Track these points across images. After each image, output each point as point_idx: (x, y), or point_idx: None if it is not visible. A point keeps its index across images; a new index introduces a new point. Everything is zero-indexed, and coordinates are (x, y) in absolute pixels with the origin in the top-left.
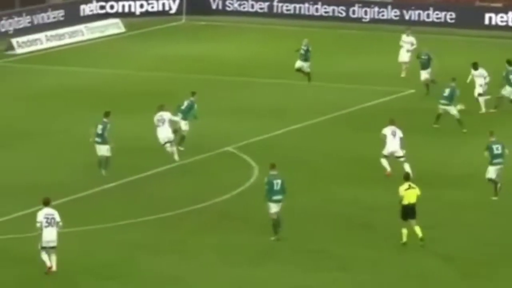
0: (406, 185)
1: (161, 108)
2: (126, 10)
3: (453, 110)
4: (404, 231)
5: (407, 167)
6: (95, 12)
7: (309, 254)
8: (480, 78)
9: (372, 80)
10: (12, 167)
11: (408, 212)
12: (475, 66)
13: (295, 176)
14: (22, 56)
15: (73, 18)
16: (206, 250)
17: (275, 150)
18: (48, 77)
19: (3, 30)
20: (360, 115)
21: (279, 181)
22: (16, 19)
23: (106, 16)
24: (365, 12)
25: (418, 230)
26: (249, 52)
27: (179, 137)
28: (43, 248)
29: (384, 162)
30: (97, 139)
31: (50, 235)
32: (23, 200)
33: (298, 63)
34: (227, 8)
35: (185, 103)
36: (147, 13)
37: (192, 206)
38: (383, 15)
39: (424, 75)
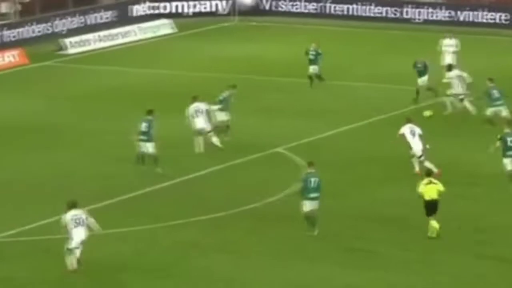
0: (426, 180)
1: (196, 99)
2: (178, 10)
3: (505, 111)
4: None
5: (428, 164)
6: (147, 12)
7: (358, 254)
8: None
9: None
10: (63, 167)
11: (430, 207)
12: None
13: (342, 177)
14: (74, 56)
15: (125, 18)
16: (258, 251)
17: (324, 151)
18: (100, 77)
19: (56, 30)
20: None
21: (315, 179)
22: (68, 19)
23: (158, 16)
24: (418, 13)
25: (435, 224)
26: (299, 53)
27: (222, 129)
28: (69, 249)
29: (414, 161)
30: (142, 137)
31: (80, 235)
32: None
33: (311, 68)
34: (279, 9)
35: (224, 94)
36: (199, 14)
37: (244, 206)
38: (435, 16)
39: (420, 83)
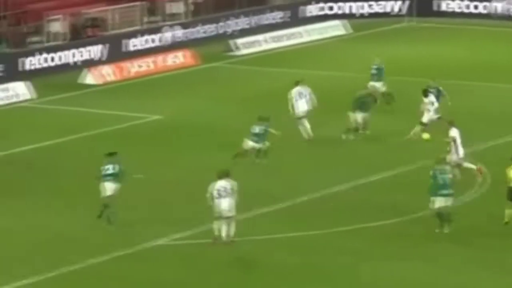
0: None
1: (299, 83)
2: (348, 11)
3: None
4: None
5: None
6: (316, 13)
7: None
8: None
9: None
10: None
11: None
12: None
13: None
14: (243, 57)
15: (293, 19)
16: (430, 259)
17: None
18: (269, 79)
19: (224, 31)
20: None
21: (446, 176)
22: (237, 20)
23: (327, 17)
24: None
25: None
26: (471, 55)
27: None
28: (217, 218)
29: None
30: (254, 138)
31: (223, 205)
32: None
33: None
34: (451, 10)
35: (362, 93)
36: (369, 15)
37: (415, 213)
38: None
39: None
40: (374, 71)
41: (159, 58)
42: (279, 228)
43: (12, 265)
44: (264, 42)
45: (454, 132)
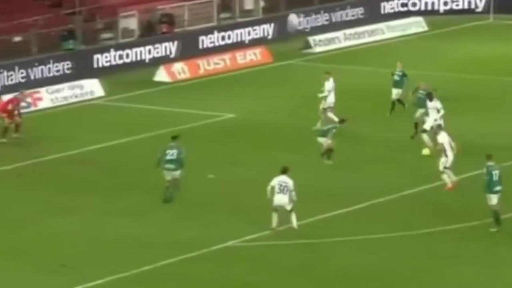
0: None
1: (330, 74)
2: (429, 8)
3: None
4: None
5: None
6: (396, 10)
7: None
8: (433, 111)
9: None
10: (310, 172)
11: None
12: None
13: None
14: (319, 55)
15: (373, 16)
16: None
17: None
18: (344, 77)
19: (300, 28)
20: None
21: (497, 171)
22: (314, 17)
23: (408, 14)
24: None
25: None
26: None
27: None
28: (274, 210)
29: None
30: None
31: (280, 200)
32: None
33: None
34: None
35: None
36: (451, 11)
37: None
38: None
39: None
40: (397, 77)
41: (234, 56)
42: (355, 230)
43: (83, 265)
44: (341, 40)
45: (443, 137)
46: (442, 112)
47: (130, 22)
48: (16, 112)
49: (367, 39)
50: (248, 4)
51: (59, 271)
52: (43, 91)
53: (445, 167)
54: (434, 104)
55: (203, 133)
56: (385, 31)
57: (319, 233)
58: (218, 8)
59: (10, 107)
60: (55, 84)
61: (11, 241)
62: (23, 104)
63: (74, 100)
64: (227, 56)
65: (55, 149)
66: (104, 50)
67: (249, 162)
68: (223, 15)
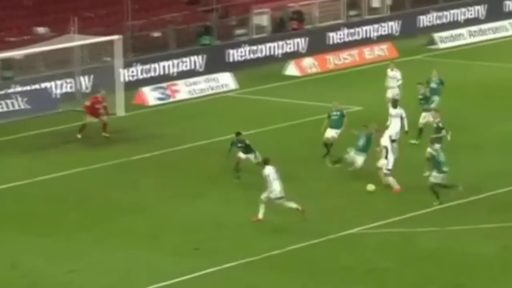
0: None
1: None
2: None
3: None
4: None
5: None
6: None
7: None
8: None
9: None
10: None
11: None
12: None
13: None
14: (444, 50)
15: (497, 13)
16: None
17: None
18: (469, 73)
19: (426, 24)
20: None
21: None
22: (438, 13)
23: None
24: None
25: None
26: None
27: None
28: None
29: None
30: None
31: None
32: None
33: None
34: None
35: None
36: None
37: None
38: None
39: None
40: (435, 85)
41: (362, 51)
42: (477, 219)
43: (215, 249)
44: (467, 36)
45: (385, 140)
46: (406, 121)
47: (262, 19)
48: (101, 111)
49: (491, 36)
50: (375, 2)
51: (192, 254)
52: (181, 84)
53: (388, 169)
54: (397, 111)
55: None
56: (509, 28)
57: (441, 222)
58: (346, 6)
59: (97, 105)
60: (191, 77)
61: (147, 226)
62: (160, 95)
63: (210, 92)
64: (355, 52)
65: (190, 139)
66: (237, 45)
67: (374, 150)
68: (351, 13)
